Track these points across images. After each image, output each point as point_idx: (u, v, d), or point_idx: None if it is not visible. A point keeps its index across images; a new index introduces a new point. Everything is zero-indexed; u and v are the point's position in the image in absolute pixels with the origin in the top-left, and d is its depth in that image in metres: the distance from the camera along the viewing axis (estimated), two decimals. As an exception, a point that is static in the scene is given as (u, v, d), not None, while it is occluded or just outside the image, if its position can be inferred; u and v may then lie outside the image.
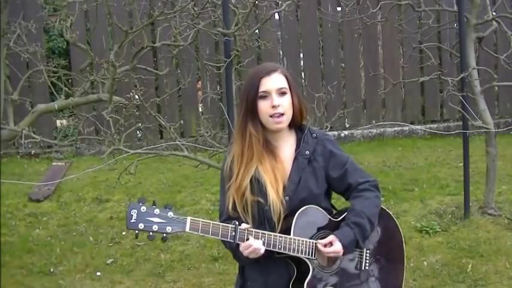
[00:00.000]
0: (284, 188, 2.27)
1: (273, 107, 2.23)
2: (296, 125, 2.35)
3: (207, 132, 5.04)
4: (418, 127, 8.27)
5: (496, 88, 8.30)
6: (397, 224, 2.49)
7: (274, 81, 2.25)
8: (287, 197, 2.26)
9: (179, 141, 5.00)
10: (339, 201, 2.55)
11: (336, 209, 2.43)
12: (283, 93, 2.25)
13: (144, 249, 4.95)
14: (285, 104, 2.25)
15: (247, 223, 2.25)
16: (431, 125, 8.38)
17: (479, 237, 4.83)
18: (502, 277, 4.25)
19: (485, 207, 5.22)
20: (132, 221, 2.14)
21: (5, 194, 5.93)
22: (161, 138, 7.90)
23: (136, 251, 4.95)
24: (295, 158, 2.31)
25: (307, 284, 2.23)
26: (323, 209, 2.31)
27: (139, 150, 4.91)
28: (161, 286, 4.41)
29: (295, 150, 2.32)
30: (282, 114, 2.24)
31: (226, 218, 2.30)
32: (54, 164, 7.47)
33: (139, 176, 6.35)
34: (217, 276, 4.48)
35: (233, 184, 2.27)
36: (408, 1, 5.42)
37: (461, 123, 5.42)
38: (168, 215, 2.16)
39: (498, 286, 4.16)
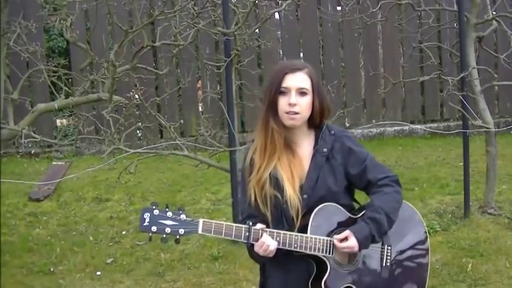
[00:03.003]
0: (302, 186, 2.27)
1: (290, 104, 2.24)
2: (315, 124, 2.35)
3: (207, 132, 5.04)
4: (418, 126, 8.27)
5: (496, 87, 8.30)
6: (421, 218, 2.46)
7: (297, 80, 2.25)
8: (305, 195, 2.26)
9: (179, 140, 5.01)
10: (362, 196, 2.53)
11: (359, 204, 2.41)
12: (303, 93, 2.26)
13: (144, 249, 4.95)
14: (302, 104, 2.25)
15: (267, 220, 2.25)
16: (431, 125, 8.38)
17: (480, 236, 4.83)
18: (502, 276, 4.25)
19: (485, 206, 5.22)
20: (145, 224, 2.17)
21: (5, 193, 5.92)
22: (161, 137, 7.90)
23: (136, 250, 4.95)
24: (313, 156, 2.31)
25: (325, 282, 2.22)
26: (343, 206, 2.29)
27: (139, 150, 4.91)
28: (161, 285, 4.41)
29: (313, 147, 2.32)
30: (297, 113, 2.25)
31: (246, 216, 2.30)
32: (54, 163, 7.47)
33: (139, 176, 6.35)
34: (217, 276, 4.48)
35: (254, 177, 2.28)
36: (408, 0, 5.41)
37: (461, 122, 5.42)
38: (181, 217, 2.18)
39: (498, 285, 4.15)
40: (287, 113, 2.25)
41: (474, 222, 5.06)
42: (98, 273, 4.60)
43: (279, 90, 2.25)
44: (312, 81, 2.27)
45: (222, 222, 2.22)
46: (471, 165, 5.42)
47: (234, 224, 2.22)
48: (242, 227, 2.20)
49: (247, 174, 2.33)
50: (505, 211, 5.23)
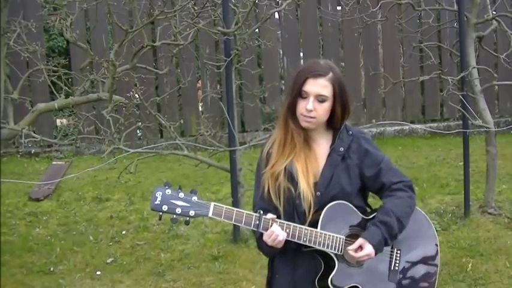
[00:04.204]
0: (316, 183, 2.27)
1: (306, 109, 2.25)
2: (334, 125, 2.35)
3: (207, 132, 5.05)
4: (418, 126, 8.27)
5: (496, 87, 8.31)
6: (432, 225, 2.47)
7: (317, 86, 2.24)
8: (318, 193, 2.26)
9: (179, 140, 5.01)
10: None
11: (371, 208, 2.41)
12: (322, 100, 2.25)
13: (144, 249, 4.95)
14: (319, 111, 2.25)
15: (279, 214, 2.25)
16: (432, 124, 8.39)
17: (479, 236, 4.83)
18: (502, 276, 4.25)
19: (485, 206, 5.22)
20: (157, 202, 2.16)
21: (5, 193, 5.93)
22: (161, 137, 7.90)
23: (136, 250, 4.95)
24: (329, 154, 2.31)
25: (332, 279, 2.22)
26: (355, 207, 2.29)
27: (139, 150, 4.91)
28: (161, 285, 4.40)
29: (330, 146, 2.33)
30: (313, 117, 2.26)
31: (258, 209, 2.29)
32: (54, 163, 7.48)
33: (139, 175, 6.35)
34: (217, 276, 4.48)
35: (269, 169, 2.29)
36: (408, 0, 5.41)
37: (461, 122, 5.42)
38: (192, 199, 2.18)
39: (498, 285, 4.15)
40: (303, 115, 2.26)
41: (474, 222, 5.06)
42: (98, 272, 4.59)
43: (299, 93, 2.26)
44: (334, 87, 2.26)
45: (233, 208, 2.21)
46: (471, 165, 5.42)
47: (245, 211, 2.22)
48: (253, 215, 2.20)
49: (262, 166, 2.34)
50: (505, 211, 5.23)
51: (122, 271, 4.61)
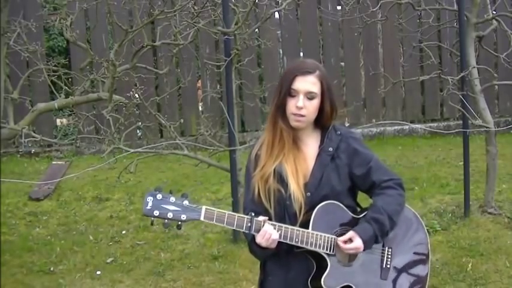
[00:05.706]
0: (306, 184, 2.28)
1: (297, 107, 2.26)
2: (322, 124, 2.36)
3: (207, 131, 5.05)
4: (418, 126, 8.27)
5: (496, 87, 8.31)
6: (422, 223, 2.48)
7: (306, 84, 2.27)
8: (308, 193, 2.26)
9: (179, 140, 5.01)
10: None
11: (361, 207, 2.41)
12: (311, 97, 2.27)
13: (144, 248, 4.95)
14: (309, 108, 2.27)
15: (270, 217, 2.26)
16: (432, 124, 8.38)
17: (480, 236, 4.84)
18: (502, 276, 4.25)
19: (485, 206, 5.22)
20: (148, 207, 2.18)
21: (5, 193, 5.93)
22: (161, 137, 7.90)
23: (136, 250, 4.95)
24: (318, 155, 2.32)
25: (324, 279, 2.22)
26: (345, 206, 2.30)
27: (139, 149, 4.91)
28: (161, 285, 4.41)
29: (319, 146, 2.34)
30: (303, 116, 2.27)
31: (248, 212, 2.30)
32: (54, 162, 7.47)
33: (140, 175, 6.35)
34: (217, 275, 4.48)
35: (259, 172, 2.30)
36: (408, 0, 5.41)
37: (461, 122, 5.42)
38: (184, 203, 2.20)
39: (498, 285, 4.16)
40: (294, 114, 2.27)
41: (474, 222, 5.06)
42: (98, 272, 4.60)
43: (288, 92, 2.27)
44: (322, 84, 2.28)
45: (224, 211, 2.22)
46: (471, 165, 5.42)
47: (237, 214, 2.23)
48: (244, 217, 2.21)
49: (251, 168, 2.34)
50: (505, 210, 5.23)
51: (122, 271, 4.62)
